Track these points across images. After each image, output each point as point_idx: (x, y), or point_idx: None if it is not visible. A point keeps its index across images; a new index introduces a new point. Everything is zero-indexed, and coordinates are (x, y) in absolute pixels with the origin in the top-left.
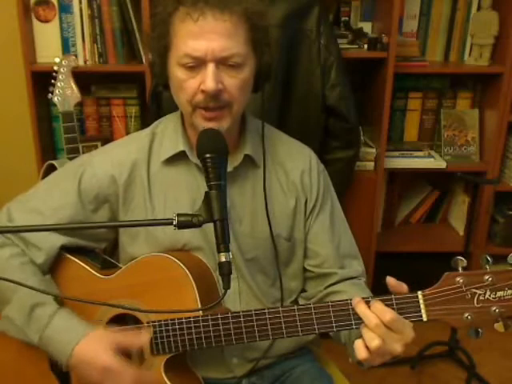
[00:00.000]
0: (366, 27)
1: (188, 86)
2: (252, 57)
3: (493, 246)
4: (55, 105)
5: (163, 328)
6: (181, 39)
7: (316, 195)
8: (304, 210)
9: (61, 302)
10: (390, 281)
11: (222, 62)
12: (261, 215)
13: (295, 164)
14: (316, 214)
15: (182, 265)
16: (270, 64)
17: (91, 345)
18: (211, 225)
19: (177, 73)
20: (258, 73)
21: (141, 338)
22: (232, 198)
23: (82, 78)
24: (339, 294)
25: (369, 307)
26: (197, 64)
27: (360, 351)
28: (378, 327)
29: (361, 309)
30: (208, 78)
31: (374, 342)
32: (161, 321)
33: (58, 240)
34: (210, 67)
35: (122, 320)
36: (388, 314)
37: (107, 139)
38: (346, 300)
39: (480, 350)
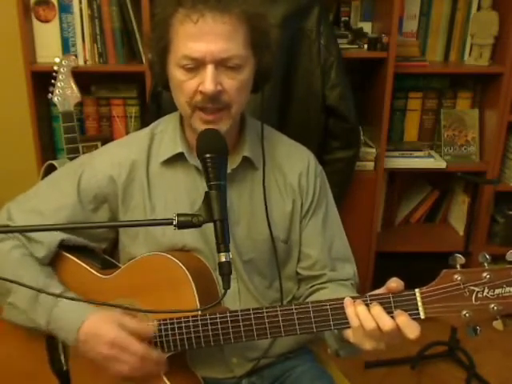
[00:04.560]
0: (366, 27)
1: (187, 86)
2: (252, 58)
3: (493, 245)
4: (55, 105)
5: (162, 327)
6: (180, 41)
7: (311, 198)
8: (300, 212)
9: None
10: (391, 285)
11: (222, 64)
12: (259, 217)
13: (293, 166)
14: (309, 217)
15: (181, 264)
16: (270, 65)
17: (98, 321)
18: (210, 225)
19: (176, 74)
20: (258, 74)
21: (146, 329)
22: (229, 199)
23: (82, 78)
24: (321, 290)
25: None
26: (196, 65)
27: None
28: (373, 331)
29: (353, 310)
30: (207, 80)
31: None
32: (160, 320)
33: (58, 234)
34: (209, 69)
35: None
36: (387, 324)
37: (107, 139)
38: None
39: (480, 350)
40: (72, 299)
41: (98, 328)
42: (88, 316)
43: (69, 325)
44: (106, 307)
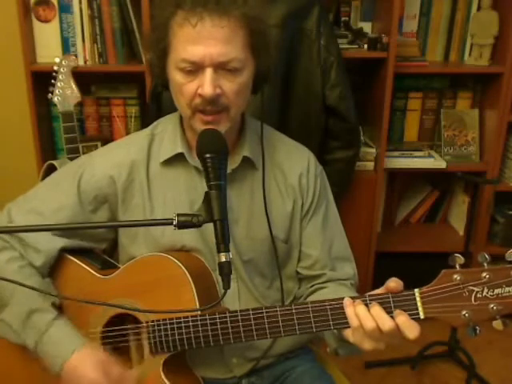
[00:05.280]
0: (366, 27)
1: (186, 89)
2: (251, 61)
3: (493, 245)
4: (55, 105)
5: (162, 327)
6: (179, 44)
7: (311, 198)
8: (300, 212)
9: (58, 309)
10: (390, 285)
11: (221, 67)
12: (258, 217)
13: (293, 166)
14: (309, 217)
15: (180, 264)
16: (269, 67)
17: (82, 360)
18: (210, 226)
19: (176, 76)
20: (257, 75)
21: (128, 379)
22: (229, 199)
23: (82, 78)
24: (321, 290)
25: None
26: (195, 68)
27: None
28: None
29: (352, 310)
30: (206, 83)
31: (370, 323)
32: (159, 320)
33: (57, 242)
34: (208, 72)
35: (121, 319)
36: (387, 324)
37: (107, 139)
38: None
39: (480, 350)
40: (71, 299)
41: (80, 369)
42: (73, 354)
43: (56, 354)
44: (95, 343)
